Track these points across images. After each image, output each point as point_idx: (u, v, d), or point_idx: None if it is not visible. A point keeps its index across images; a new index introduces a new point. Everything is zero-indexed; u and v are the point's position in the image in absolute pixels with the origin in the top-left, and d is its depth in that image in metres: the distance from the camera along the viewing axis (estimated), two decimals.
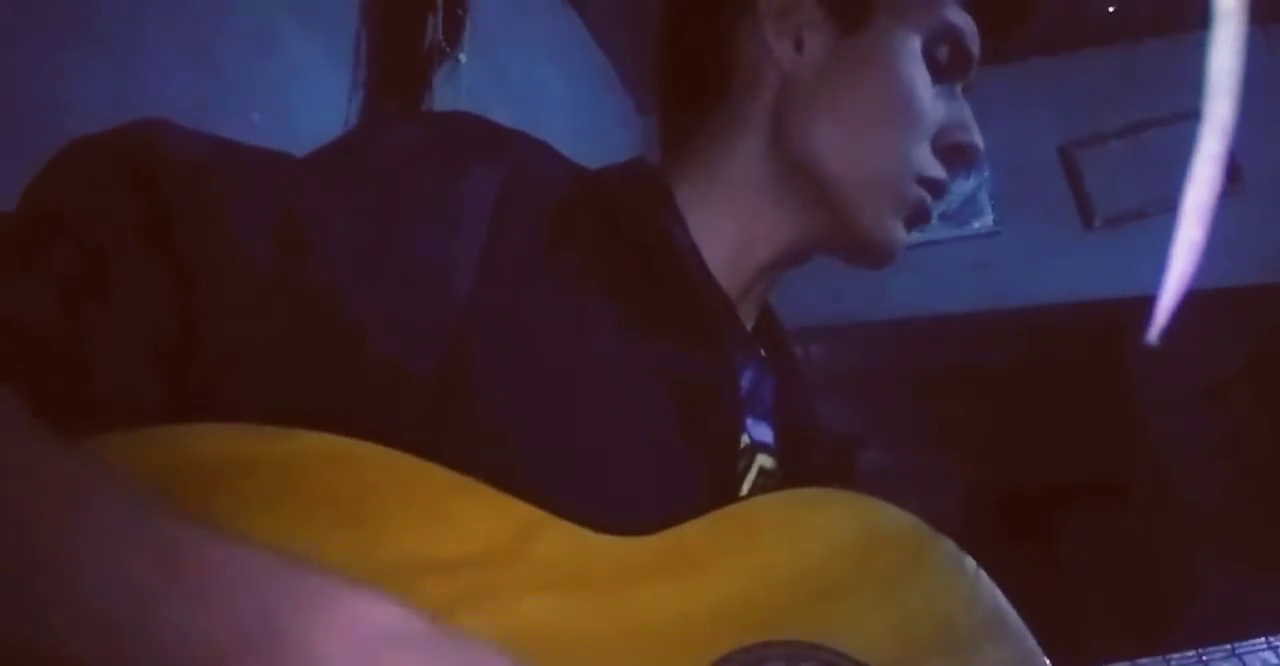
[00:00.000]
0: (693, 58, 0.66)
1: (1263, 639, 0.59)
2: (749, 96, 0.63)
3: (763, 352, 0.65)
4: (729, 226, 0.62)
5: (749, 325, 0.66)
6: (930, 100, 0.62)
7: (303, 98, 1.43)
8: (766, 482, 0.59)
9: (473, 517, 0.43)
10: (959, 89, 0.65)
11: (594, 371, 0.51)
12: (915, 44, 0.62)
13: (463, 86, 1.68)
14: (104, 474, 0.33)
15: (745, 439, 0.58)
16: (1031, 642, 0.58)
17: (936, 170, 0.63)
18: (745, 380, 0.60)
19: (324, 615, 0.31)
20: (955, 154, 0.64)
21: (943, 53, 0.63)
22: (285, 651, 0.30)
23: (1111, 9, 2.42)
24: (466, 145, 0.53)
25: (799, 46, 0.62)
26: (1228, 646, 0.59)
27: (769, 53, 0.62)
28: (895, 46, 0.61)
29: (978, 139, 0.64)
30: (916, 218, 0.63)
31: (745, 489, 0.57)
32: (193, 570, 0.31)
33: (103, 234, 0.41)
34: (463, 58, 1.69)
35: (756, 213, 0.62)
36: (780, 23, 0.62)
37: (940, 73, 0.63)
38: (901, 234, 0.63)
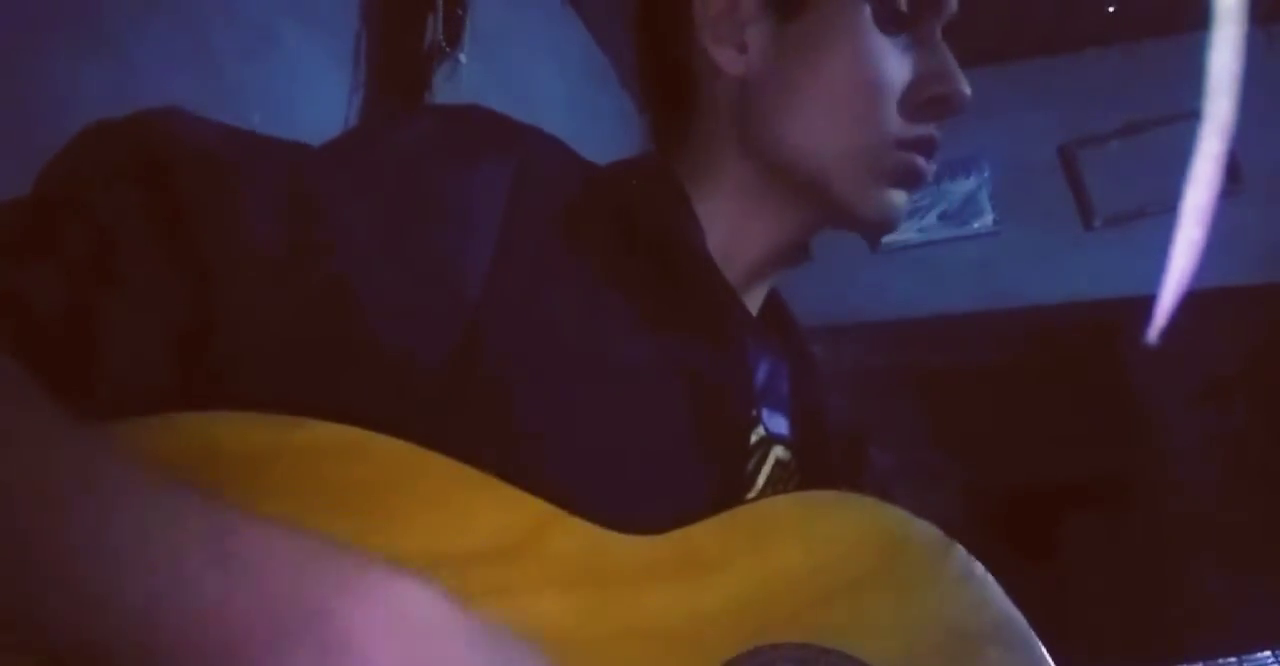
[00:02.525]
0: (660, 73, 0.67)
1: (1269, 653, 0.59)
2: (713, 106, 0.63)
3: (777, 342, 0.65)
4: (723, 223, 0.62)
5: (755, 312, 0.66)
6: (889, 62, 0.60)
7: (303, 98, 1.43)
8: (782, 475, 0.59)
9: (487, 512, 0.43)
10: (937, 32, 0.62)
11: (607, 366, 0.51)
12: (861, 9, 0.59)
13: (463, 86, 1.68)
14: (143, 462, 0.33)
15: (761, 431, 0.58)
16: (1039, 648, 0.57)
17: (915, 130, 0.60)
18: (761, 372, 0.61)
19: (362, 601, 0.31)
20: (934, 106, 0.61)
21: (902, 1, 0.60)
22: (324, 638, 0.30)
23: (1111, 9, 2.42)
24: (479, 139, 0.53)
25: (743, 48, 0.61)
26: (1234, 659, 0.59)
27: (716, 63, 0.62)
28: (837, 20, 0.60)
29: (955, 84, 0.60)
30: (908, 180, 0.61)
31: (760, 482, 0.57)
32: (233, 552, 0.30)
33: (114, 220, 0.40)
34: (463, 58, 1.69)
35: (746, 210, 0.62)
36: (719, 30, 0.61)
37: (905, 23, 0.60)
38: (896, 200, 0.62)
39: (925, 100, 0.60)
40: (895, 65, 0.60)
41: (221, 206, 0.43)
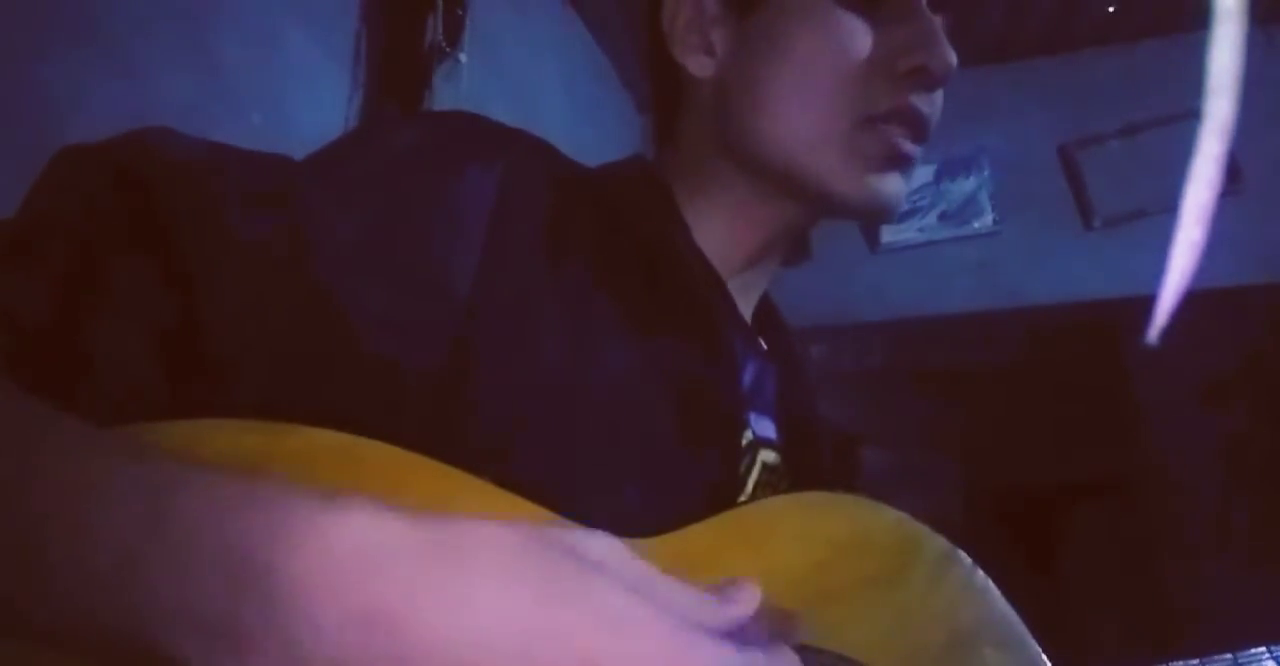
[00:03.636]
0: (652, 79, 0.68)
1: (1264, 649, 0.59)
2: (695, 109, 0.64)
3: (764, 345, 0.65)
4: (717, 221, 0.62)
5: (748, 315, 0.66)
6: (856, 39, 0.58)
7: (303, 98, 1.43)
8: (770, 479, 0.59)
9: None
10: (921, 1, 0.59)
11: (595, 371, 0.51)
12: None
13: (463, 86, 1.68)
14: (74, 425, 0.33)
15: (748, 434, 0.58)
16: (1035, 649, 0.57)
17: (888, 102, 0.58)
18: (748, 374, 0.60)
19: (297, 545, 0.29)
20: (911, 78, 0.58)
21: None
22: (273, 592, 0.28)
23: (1111, 9, 2.43)
24: (466, 144, 0.53)
25: (711, 52, 0.62)
26: (1229, 656, 0.59)
27: (688, 71, 0.62)
28: (793, 5, 0.59)
29: (932, 53, 0.57)
30: (894, 160, 0.59)
31: (749, 486, 0.57)
32: (176, 516, 0.30)
33: (93, 233, 0.41)
34: (463, 58, 1.69)
35: (734, 209, 0.62)
36: (688, 39, 0.62)
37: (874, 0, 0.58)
38: (888, 184, 0.59)
39: (902, 72, 0.57)
40: (864, 42, 0.58)
41: (204, 219, 0.43)
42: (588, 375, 0.50)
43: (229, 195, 0.44)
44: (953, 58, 0.58)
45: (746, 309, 0.65)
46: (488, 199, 0.50)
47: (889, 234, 2.52)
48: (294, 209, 0.45)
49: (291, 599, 0.28)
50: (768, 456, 0.60)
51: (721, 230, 0.62)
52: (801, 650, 0.49)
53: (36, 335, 0.38)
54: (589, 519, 0.46)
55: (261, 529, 0.29)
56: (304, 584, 0.28)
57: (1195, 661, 0.59)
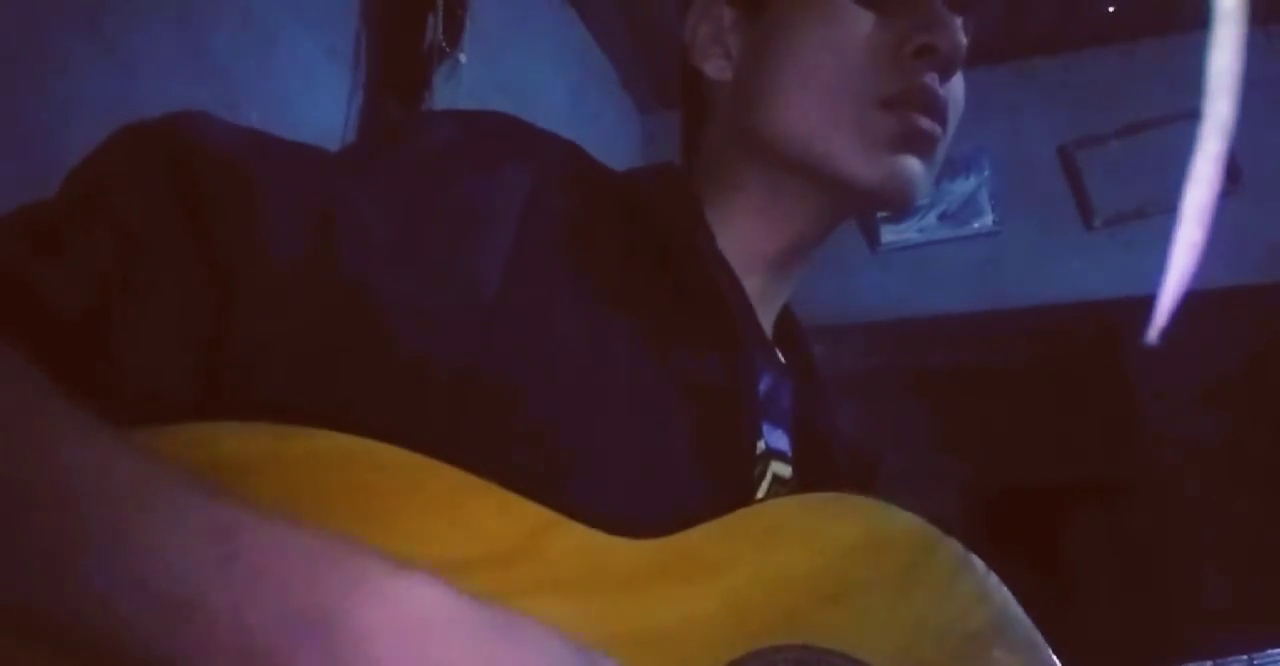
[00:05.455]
0: (682, 88, 0.70)
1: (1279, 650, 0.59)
2: (716, 114, 0.66)
3: (782, 358, 0.65)
4: (740, 223, 0.62)
5: (768, 328, 0.66)
6: (862, 26, 0.59)
7: (303, 98, 1.44)
8: (780, 491, 0.58)
9: (485, 518, 0.43)
10: None
11: (611, 376, 0.51)
12: None
13: (463, 86, 1.68)
14: (156, 457, 0.34)
15: (761, 445, 0.58)
16: (1046, 651, 0.57)
17: (899, 83, 0.58)
18: (763, 385, 0.60)
19: (371, 600, 0.31)
20: (921, 57, 0.58)
21: None
22: (333, 641, 0.30)
23: (1111, 9, 2.42)
24: (499, 145, 0.54)
25: (728, 55, 0.64)
26: (1245, 657, 0.59)
27: (707, 76, 0.65)
28: (800, 0, 0.61)
29: (941, 32, 0.58)
30: (911, 140, 0.59)
31: (760, 496, 0.57)
32: (246, 556, 0.31)
33: (141, 223, 0.41)
34: (463, 58, 1.69)
35: (759, 208, 0.63)
36: (708, 48, 0.65)
37: None
38: (906, 165, 0.59)
39: (909, 53, 0.58)
40: (870, 28, 0.59)
41: (245, 214, 0.43)
42: (603, 379, 0.51)
43: (270, 192, 0.44)
44: (962, 40, 0.59)
45: (767, 319, 0.66)
46: (518, 199, 0.51)
47: (889, 234, 2.52)
48: (327, 207, 0.46)
49: (355, 652, 0.30)
50: (780, 469, 0.59)
51: (744, 233, 0.62)
52: (806, 650, 0.49)
53: (63, 322, 0.38)
54: (595, 521, 0.46)
55: (333, 584, 0.31)
56: (370, 640, 0.30)
57: (1209, 663, 0.59)
